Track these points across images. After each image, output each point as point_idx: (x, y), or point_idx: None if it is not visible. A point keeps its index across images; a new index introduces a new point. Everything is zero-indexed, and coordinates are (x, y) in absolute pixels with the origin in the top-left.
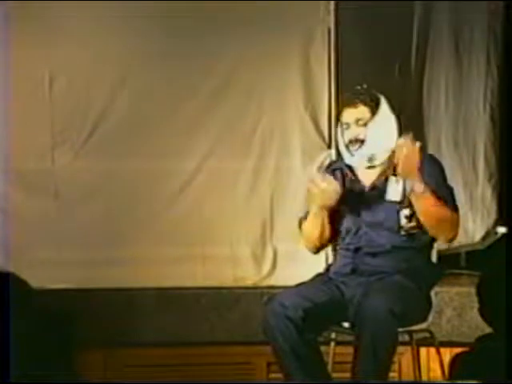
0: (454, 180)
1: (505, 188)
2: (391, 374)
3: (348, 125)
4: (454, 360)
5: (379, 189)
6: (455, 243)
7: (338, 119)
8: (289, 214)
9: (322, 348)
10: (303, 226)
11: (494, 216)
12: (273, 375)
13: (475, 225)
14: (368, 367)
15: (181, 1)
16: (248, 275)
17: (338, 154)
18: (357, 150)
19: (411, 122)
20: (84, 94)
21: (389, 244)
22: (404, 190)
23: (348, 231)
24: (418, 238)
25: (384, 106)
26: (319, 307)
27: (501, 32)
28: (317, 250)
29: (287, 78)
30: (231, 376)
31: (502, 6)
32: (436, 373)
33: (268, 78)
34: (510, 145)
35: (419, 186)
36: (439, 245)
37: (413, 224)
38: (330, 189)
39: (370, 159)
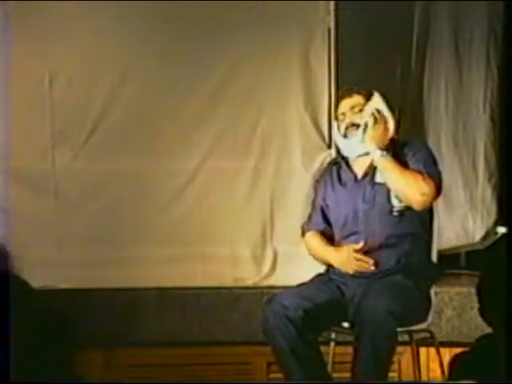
0: (454, 180)
1: (505, 188)
2: (391, 374)
3: (344, 114)
4: (454, 360)
5: (370, 175)
6: (455, 243)
7: (335, 116)
8: (289, 214)
9: (322, 348)
10: (307, 244)
11: (493, 216)
12: (273, 375)
13: (475, 225)
14: (368, 367)
15: (181, 1)
16: (248, 275)
17: (338, 151)
18: (354, 134)
19: (411, 122)
20: (84, 94)
21: (383, 228)
22: None
23: (345, 219)
24: (412, 222)
25: (377, 95)
26: (319, 307)
27: (501, 32)
28: None
29: (287, 78)
30: (231, 376)
31: (501, 5)
32: (436, 373)
33: (268, 78)
34: (510, 145)
35: (375, 152)
36: (439, 245)
37: (404, 204)
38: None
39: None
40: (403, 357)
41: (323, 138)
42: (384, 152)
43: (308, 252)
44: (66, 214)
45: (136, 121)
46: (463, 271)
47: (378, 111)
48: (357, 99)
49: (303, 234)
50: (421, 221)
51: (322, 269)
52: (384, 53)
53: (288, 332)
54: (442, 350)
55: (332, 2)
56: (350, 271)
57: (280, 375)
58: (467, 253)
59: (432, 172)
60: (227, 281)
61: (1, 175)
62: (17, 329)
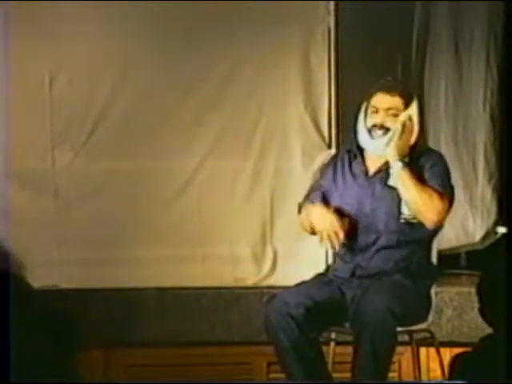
0: (454, 180)
1: (505, 188)
2: (391, 374)
3: (377, 109)
4: (454, 360)
5: (383, 174)
6: (455, 243)
7: (367, 106)
8: (289, 214)
9: (322, 348)
10: (301, 217)
11: (493, 216)
12: (273, 375)
13: (475, 225)
14: (367, 367)
15: (181, 1)
16: (248, 275)
17: (355, 134)
18: (380, 136)
19: None
20: (84, 94)
21: (386, 229)
22: None
23: (348, 211)
24: (417, 231)
25: (415, 103)
26: (320, 306)
27: (501, 32)
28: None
29: (287, 78)
30: (231, 376)
31: (501, 5)
32: (436, 373)
33: (268, 78)
34: (510, 145)
35: (396, 163)
36: (439, 245)
37: (413, 214)
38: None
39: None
40: (403, 357)
41: (323, 137)
42: (404, 164)
43: (301, 225)
44: (66, 213)
45: (136, 121)
46: (463, 271)
47: (410, 118)
48: (397, 102)
49: (300, 211)
50: (425, 230)
51: (322, 269)
52: (384, 53)
53: (290, 329)
54: (442, 350)
55: (332, 2)
56: (321, 233)
57: (280, 375)
58: (467, 253)
59: (447, 190)
60: (227, 281)
61: (1, 175)
62: (17, 329)
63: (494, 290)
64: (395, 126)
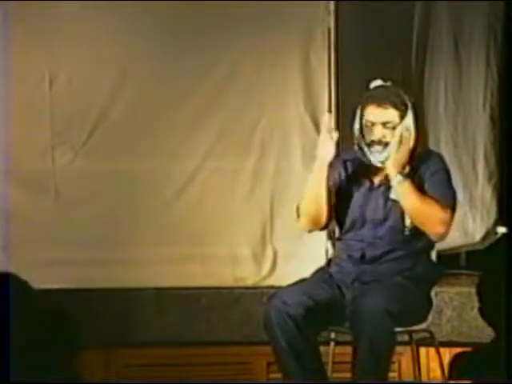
0: (454, 180)
1: (505, 188)
2: (391, 374)
3: (373, 124)
4: (454, 360)
5: (386, 186)
6: (455, 243)
7: (361, 116)
8: (289, 214)
9: (322, 348)
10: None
11: (493, 216)
12: (273, 375)
13: (475, 225)
14: (367, 367)
15: (181, 1)
16: (248, 275)
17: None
18: (380, 152)
19: None
20: (84, 94)
21: (391, 244)
22: None
23: (353, 225)
24: (421, 240)
25: (410, 112)
26: (320, 305)
27: (501, 32)
28: (313, 225)
29: (287, 77)
30: (231, 376)
31: (502, 5)
32: (436, 373)
33: (268, 78)
34: (510, 145)
35: (395, 177)
36: (439, 245)
37: None
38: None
39: (385, 161)
40: (403, 357)
41: None
42: (404, 178)
43: (301, 212)
44: (66, 214)
45: (136, 121)
46: (463, 271)
47: (407, 129)
48: (392, 115)
49: (298, 214)
50: (429, 239)
51: None
52: (384, 53)
53: (288, 329)
54: (441, 350)
55: (332, 2)
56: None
57: (280, 375)
58: (467, 253)
59: (449, 199)
60: (227, 281)
61: (1, 175)
62: (17, 329)
63: (494, 290)
64: (393, 140)
